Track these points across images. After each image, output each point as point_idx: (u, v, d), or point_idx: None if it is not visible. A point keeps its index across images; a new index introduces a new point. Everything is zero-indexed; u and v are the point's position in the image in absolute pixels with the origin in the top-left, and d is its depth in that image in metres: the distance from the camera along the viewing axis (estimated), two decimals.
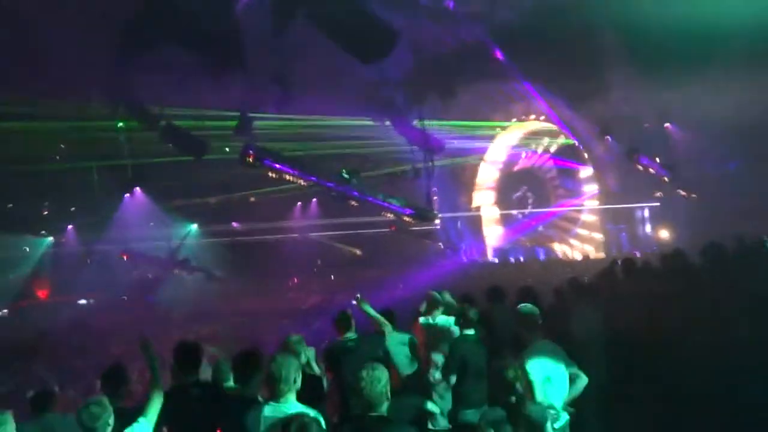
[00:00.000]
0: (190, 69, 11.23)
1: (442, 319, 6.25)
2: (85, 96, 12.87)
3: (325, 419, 3.79)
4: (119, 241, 19.78)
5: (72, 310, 19.86)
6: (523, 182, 21.73)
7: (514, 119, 19.89)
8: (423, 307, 6.64)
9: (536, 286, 6.95)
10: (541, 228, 21.63)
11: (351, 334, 5.63)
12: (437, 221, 17.21)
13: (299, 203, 22.37)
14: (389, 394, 3.47)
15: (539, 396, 4.13)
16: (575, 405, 4.29)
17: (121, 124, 13.45)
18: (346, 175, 12.31)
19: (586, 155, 19.28)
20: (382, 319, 6.05)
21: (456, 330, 5.80)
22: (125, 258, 21.09)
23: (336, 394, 5.40)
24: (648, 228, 18.33)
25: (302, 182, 12.93)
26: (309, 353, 5.29)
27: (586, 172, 20.15)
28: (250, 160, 11.26)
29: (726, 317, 4.41)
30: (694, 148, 15.69)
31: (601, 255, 17.77)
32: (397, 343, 5.90)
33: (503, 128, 20.52)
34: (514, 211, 21.53)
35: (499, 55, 14.24)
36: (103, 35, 10.33)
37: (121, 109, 13.21)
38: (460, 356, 5.32)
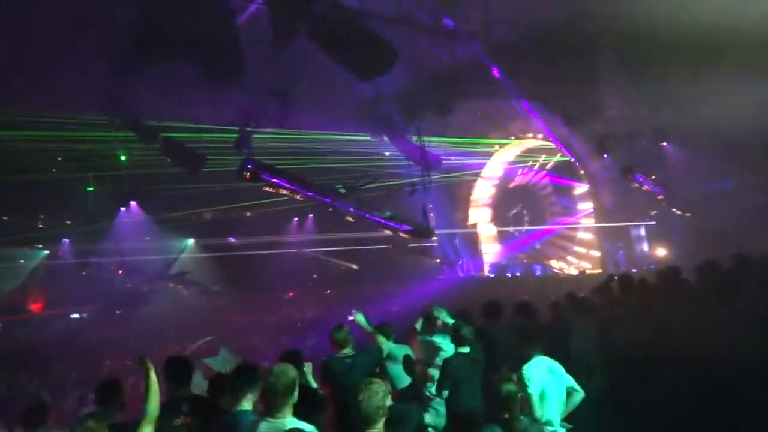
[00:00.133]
0: (189, 83, 11.29)
1: (439, 336, 6.24)
2: (82, 108, 12.89)
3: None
4: (114, 254, 19.72)
5: (66, 323, 19.77)
6: (519, 199, 21.80)
7: (512, 137, 20.00)
8: (419, 323, 6.63)
9: (533, 302, 6.95)
10: (538, 245, 21.68)
11: (348, 350, 5.60)
12: (434, 238, 17.21)
13: (296, 218, 22.37)
14: (386, 409, 3.46)
15: (537, 411, 4.12)
16: (572, 420, 4.28)
17: (117, 134, 13.43)
18: (342, 190, 12.33)
19: (582, 172, 19.39)
20: (379, 335, 6.03)
21: (451, 347, 5.78)
22: (120, 272, 21.02)
23: (332, 409, 5.36)
24: (645, 246, 18.39)
25: (299, 197, 12.94)
26: (306, 368, 5.27)
27: (581, 189, 20.25)
28: (249, 174, 11.28)
29: (723, 334, 4.42)
30: (690, 166, 15.78)
31: (598, 271, 17.78)
32: (393, 357, 5.88)
33: (501, 145, 20.64)
34: (510, 228, 21.58)
35: (496, 73, 14.36)
36: (102, 47, 10.38)
37: (119, 122, 13.24)
38: (451, 374, 5.29)
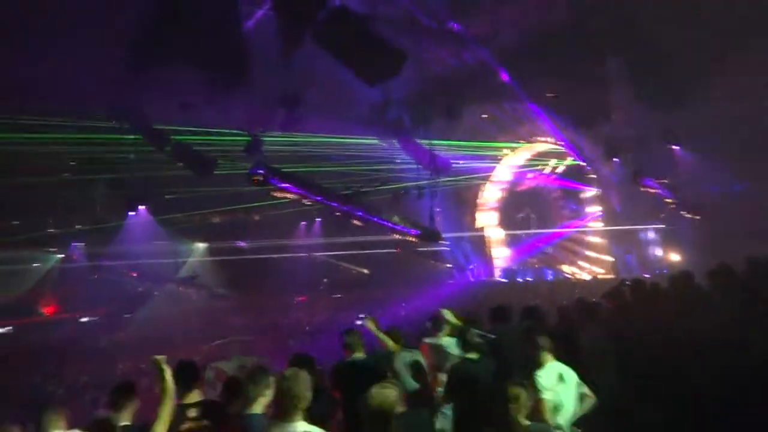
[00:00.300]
0: (199, 87, 11.36)
1: (447, 340, 6.22)
2: (94, 112, 13.00)
3: None
4: (124, 257, 19.83)
5: (78, 326, 19.88)
6: (526, 203, 21.73)
7: (521, 140, 19.96)
8: (429, 327, 6.62)
9: (544, 306, 6.92)
10: (549, 249, 21.57)
11: (359, 354, 5.61)
12: (442, 241, 17.19)
13: (304, 222, 22.40)
14: (397, 412, 3.46)
15: (549, 416, 4.11)
16: (583, 425, 4.26)
17: (128, 137, 13.50)
18: (349, 192, 12.37)
19: (591, 176, 19.32)
20: (388, 340, 6.04)
21: (458, 352, 5.76)
22: (131, 275, 21.14)
23: (342, 413, 5.36)
24: (658, 251, 18.27)
25: (308, 202, 12.98)
26: (318, 372, 5.28)
27: (589, 193, 20.17)
28: (258, 179, 11.33)
29: (736, 338, 4.39)
30: (700, 169, 15.71)
31: (610, 276, 17.70)
32: (403, 361, 5.87)
33: (511, 149, 20.59)
34: (519, 231, 21.48)
35: (504, 76, 14.36)
36: (114, 53, 10.46)
37: (130, 126, 13.33)
38: (457, 380, 5.27)
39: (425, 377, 5.78)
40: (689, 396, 4.21)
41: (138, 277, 21.11)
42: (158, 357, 4.50)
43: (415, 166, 16.32)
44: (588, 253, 20.42)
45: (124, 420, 4.59)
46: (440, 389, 5.91)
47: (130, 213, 16.88)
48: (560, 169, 20.32)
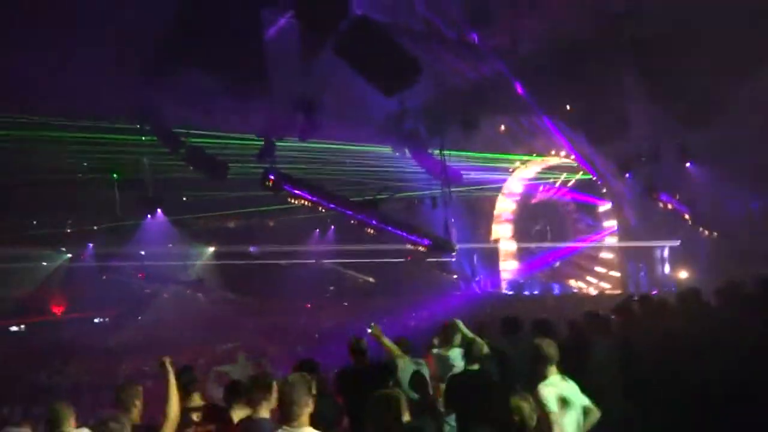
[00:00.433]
0: (216, 92, 11.48)
1: (455, 352, 6.21)
2: (111, 114, 13.18)
3: None
4: (136, 259, 20.02)
5: (85, 326, 20.07)
6: (542, 215, 21.64)
7: (534, 153, 19.94)
8: (437, 339, 6.62)
9: (551, 320, 6.90)
10: (558, 263, 21.47)
11: (364, 361, 5.63)
12: (454, 252, 17.17)
13: (317, 229, 22.48)
14: (401, 421, 3.47)
15: (554, 429, 4.09)
16: None
17: (144, 137, 13.66)
18: (363, 199, 12.41)
19: (605, 190, 19.22)
20: (395, 348, 6.05)
21: (462, 363, 5.75)
22: (142, 277, 21.33)
23: (347, 419, 5.37)
24: (667, 268, 18.12)
25: (321, 209, 13.03)
26: (323, 378, 5.31)
27: (605, 207, 20.05)
28: (271, 184, 11.41)
29: (743, 357, 4.36)
30: (717, 187, 15.59)
31: (618, 292, 17.56)
32: (408, 370, 5.87)
33: (523, 162, 20.57)
34: (533, 245, 21.39)
35: (519, 89, 14.36)
36: (132, 55, 10.62)
37: (146, 128, 13.50)
38: (455, 391, 5.26)
39: (426, 388, 5.76)
40: (693, 408, 4.18)
41: (145, 279, 21.29)
42: (164, 357, 4.56)
43: (429, 176, 16.36)
44: (597, 268, 20.29)
45: (133, 419, 4.63)
46: (441, 399, 5.90)
47: (148, 215, 17.08)
48: (571, 182, 20.25)
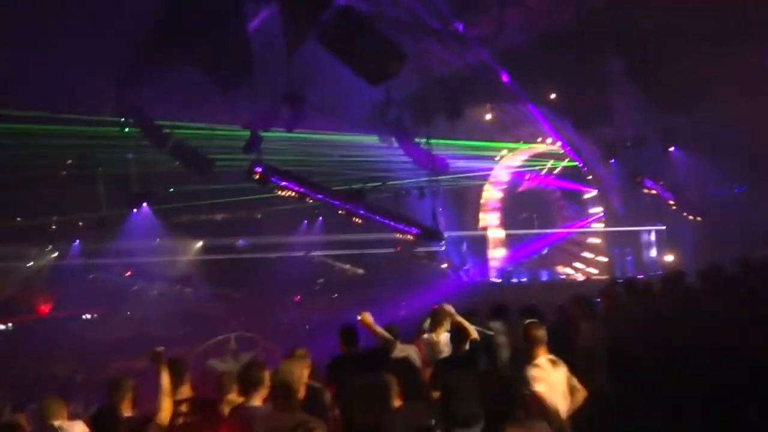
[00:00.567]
0: (200, 85, 11.42)
1: (444, 336, 6.28)
2: (94, 109, 13.07)
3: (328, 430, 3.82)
4: (124, 256, 19.88)
5: (74, 325, 19.92)
6: (528, 203, 21.78)
7: (521, 141, 20.03)
8: (427, 323, 6.69)
9: (539, 306, 7.00)
10: (545, 251, 21.63)
11: (354, 349, 5.67)
12: (443, 242, 17.25)
13: (305, 221, 22.44)
14: (391, 405, 3.51)
15: (544, 411, 4.16)
16: (576, 418, 4.33)
17: (127, 130, 13.53)
18: (351, 189, 12.41)
19: (590, 177, 19.38)
20: (386, 334, 6.10)
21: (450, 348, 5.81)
22: (129, 274, 21.20)
23: (338, 407, 5.41)
24: (653, 252, 18.35)
25: (309, 200, 13.00)
26: (312, 366, 5.34)
27: (591, 194, 20.22)
28: (258, 177, 11.37)
29: (725, 336, 4.46)
30: (701, 171, 15.79)
31: (605, 277, 17.77)
32: (396, 355, 5.92)
33: (510, 150, 20.67)
34: (520, 231, 21.53)
35: (505, 77, 14.42)
36: (115, 49, 10.54)
37: (130, 122, 13.40)
38: (441, 376, 5.32)
39: (414, 373, 5.81)
40: (678, 389, 4.28)
41: (133, 276, 21.17)
42: (158, 348, 4.58)
43: (416, 166, 16.39)
44: (584, 254, 20.51)
45: (126, 411, 4.66)
46: None
47: (133, 210, 16.97)
48: (558, 170, 20.41)
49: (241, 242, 21.49)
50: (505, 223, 22.29)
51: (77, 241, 20.07)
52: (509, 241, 22.19)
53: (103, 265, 20.07)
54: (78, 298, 19.99)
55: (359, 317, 6.10)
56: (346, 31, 9.74)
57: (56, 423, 4.36)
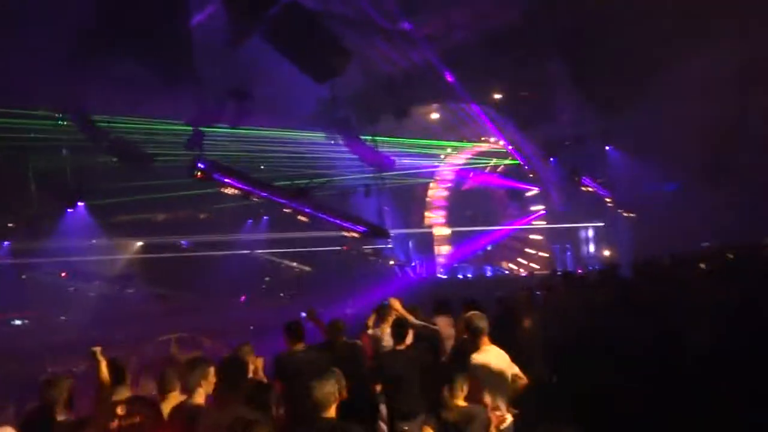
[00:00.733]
0: (141, 81, 11.10)
1: (388, 331, 6.33)
2: (28, 102, 12.51)
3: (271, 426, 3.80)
4: (57, 256, 19.07)
5: (5, 329, 18.97)
6: (472, 201, 22.19)
7: (465, 140, 20.38)
8: (372, 320, 6.74)
9: (485, 300, 7.16)
10: (490, 247, 22.12)
11: (301, 345, 5.65)
12: (389, 239, 17.37)
13: (250, 220, 22.12)
14: (338, 396, 3.53)
15: (486, 397, 4.28)
16: (519, 406, 4.47)
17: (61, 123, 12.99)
18: (296, 186, 12.35)
19: (532, 175, 19.92)
20: (331, 331, 6.09)
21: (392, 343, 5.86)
22: (64, 276, 20.34)
23: (285, 404, 5.38)
24: (592, 247, 19.06)
25: (254, 198, 12.84)
26: (258, 363, 5.30)
27: (533, 192, 20.79)
28: (200, 174, 11.15)
29: (655, 323, 4.70)
30: (635, 170, 16.46)
31: (546, 272, 18.32)
32: (342, 352, 5.93)
33: (454, 148, 21.00)
34: (465, 229, 21.93)
35: (450, 77, 14.63)
36: (52, 41, 10.11)
37: (66, 117, 12.89)
38: (381, 369, 5.39)
39: (360, 367, 5.85)
40: (612, 373, 4.48)
41: (69, 277, 20.33)
42: (95, 348, 4.45)
43: (362, 164, 16.44)
44: (527, 250, 21.10)
45: (60, 415, 4.48)
46: None
47: (68, 210, 16.31)
48: (501, 168, 20.89)
49: (183, 243, 20.98)
50: (450, 221, 22.64)
51: (6, 242, 19.12)
52: (455, 239, 22.56)
53: (36, 265, 19.17)
54: (9, 302, 19.05)
55: (304, 314, 6.08)
56: (291, 27, 9.69)
57: None
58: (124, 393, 4.78)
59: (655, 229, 14.77)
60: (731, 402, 3.78)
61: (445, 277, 20.85)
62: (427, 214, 22.64)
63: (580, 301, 5.91)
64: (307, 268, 22.70)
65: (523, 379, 4.51)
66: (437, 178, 22.34)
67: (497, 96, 16.01)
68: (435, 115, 18.78)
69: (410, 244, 21.72)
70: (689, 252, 7.17)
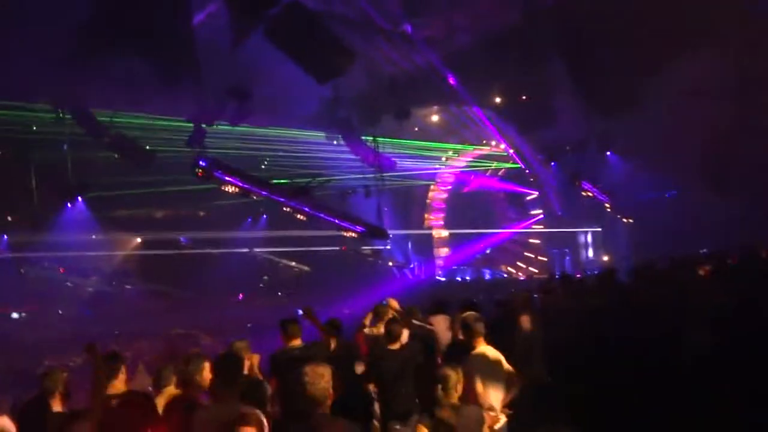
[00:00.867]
0: (142, 78, 11.13)
1: None
2: (31, 98, 12.54)
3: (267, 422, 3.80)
4: (56, 250, 19.06)
5: (2, 323, 18.95)
6: (472, 204, 22.19)
7: (466, 143, 20.40)
8: (368, 319, 6.74)
9: (484, 302, 7.19)
10: (489, 250, 22.12)
11: (297, 342, 5.65)
12: (388, 240, 17.37)
13: (249, 218, 22.11)
14: (331, 392, 3.53)
15: (480, 398, 4.28)
16: (513, 407, 4.48)
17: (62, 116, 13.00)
18: (296, 185, 12.37)
19: (532, 180, 19.94)
20: (327, 330, 6.09)
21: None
22: (62, 271, 20.33)
23: (280, 399, 5.39)
24: (590, 252, 19.07)
25: (254, 196, 12.87)
26: (254, 359, 5.30)
27: (532, 196, 20.80)
28: (201, 171, 11.18)
29: (653, 326, 4.72)
30: (634, 176, 16.48)
31: (545, 276, 18.32)
32: (340, 350, 5.93)
33: (456, 151, 21.00)
34: (464, 231, 21.93)
35: (452, 80, 14.66)
36: (55, 38, 10.14)
37: (67, 113, 12.90)
38: (375, 368, 5.39)
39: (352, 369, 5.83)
40: (608, 375, 4.50)
41: (67, 272, 20.31)
42: (91, 343, 4.45)
43: (363, 165, 16.46)
44: (526, 253, 21.10)
45: (56, 406, 4.49)
46: None
47: (67, 204, 16.32)
48: (502, 172, 20.90)
49: (183, 240, 20.97)
50: (450, 223, 22.64)
51: (5, 236, 19.11)
52: (454, 241, 22.55)
53: (35, 259, 19.16)
54: (7, 296, 19.03)
55: (301, 312, 6.08)
56: (294, 27, 9.71)
57: None
58: (119, 387, 4.78)
59: (653, 234, 14.80)
60: (730, 403, 3.80)
61: (443, 279, 20.85)
62: (426, 216, 22.64)
63: (578, 304, 5.93)
64: (305, 268, 22.68)
65: (519, 381, 4.51)
66: (437, 180, 22.34)
67: (498, 99, 16.03)
68: (436, 117, 18.81)
69: (409, 245, 21.70)
70: (688, 256, 7.19)
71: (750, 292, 5.19)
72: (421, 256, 22.03)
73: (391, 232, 15.91)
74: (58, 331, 17.44)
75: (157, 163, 13.77)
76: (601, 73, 12.51)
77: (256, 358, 5.34)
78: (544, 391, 4.83)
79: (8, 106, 12.56)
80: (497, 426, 4.27)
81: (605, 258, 18.10)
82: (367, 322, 6.67)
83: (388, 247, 19.85)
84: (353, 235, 13.81)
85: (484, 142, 19.90)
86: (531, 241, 21.05)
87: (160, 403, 4.61)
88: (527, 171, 19.60)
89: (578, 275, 15.52)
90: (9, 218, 18.57)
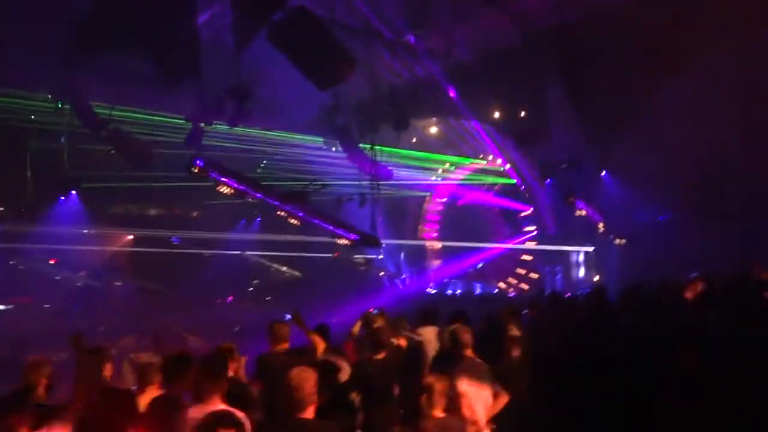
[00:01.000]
0: (145, 74, 11.14)
1: None
2: (30, 89, 12.52)
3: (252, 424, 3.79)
4: (48, 244, 18.94)
5: None
6: (466, 218, 22.22)
7: (463, 156, 20.46)
8: (356, 328, 6.73)
9: (473, 317, 7.16)
10: (481, 265, 22.12)
11: (285, 346, 5.63)
12: (380, 249, 17.36)
13: (243, 220, 22.08)
14: (316, 397, 3.52)
15: (465, 410, 4.28)
16: (497, 421, 4.47)
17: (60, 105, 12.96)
18: (291, 190, 12.36)
19: (527, 196, 20.00)
20: (315, 336, 6.07)
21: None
22: (53, 263, 20.19)
23: (264, 402, 5.36)
24: (582, 271, 19.10)
25: (249, 199, 12.83)
26: (240, 361, 5.28)
27: (526, 212, 20.85)
28: (197, 171, 11.15)
29: (640, 346, 4.73)
30: (629, 198, 16.54)
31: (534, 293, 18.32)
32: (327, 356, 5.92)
33: (452, 164, 21.06)
34: (457, 244, 21.94)
35: (452, 93, 14.74)
36: (58, 30, 10.15)
37: (67, 108, 12.88)
38: (357, 379, 5.39)
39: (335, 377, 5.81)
40: (594, 394, 4.50)
41: (57, 265, 20.18)
42: (76, 335, 4.43)
43: (359, 173, 16.48)
44: (518, 270, 21.12)
45: (38, 399, 4.46)
46: None
47: (61, 198, 16.26)
48: (497, 187, 20.96)
49: (174, 239, 20.88)
50: (444, 236, 22.63)
51: None
52: (446, 254, 22.55)
53: (25, 251, 19.03)
54: None
55: (290, 316, 6.07)
56: (297, 32, 9.74)
57: None
58: (102, 384, 4.76)
59: (645, 258, 14.82)
60: (715, 424, 3.81)
61: (434, 291, 20.82)
62: (420, 227, 22.64)
63: (565, 321, 5.94)
64: (297, 273, 22.62)
65: (504, 396, 4.51)
66: (433, 192, 22.37)
67: (497, 114, 16.12)
68: (435, 129, 18.87)
69: (401, 256, 21.69)
70: (679, 279, 7.22)
71: (738, 314, 5.22)
72: (413, 267, 22.02)
73: (384, 242, 15.88)
74: (45, 323, 17.31)
75: (153, 161, 13.74)
76: (598, 93, 12.61)
77: (241, 361, 5.33)
78: (527, 406, 4.83)
79: (7, 93, 12.54)
80: None
81: (596, 278, 18.13)
82: (356, 330, 6.67)
83: (381, 256, 19.82)
84: (346, 242, 13.78)
85: (481, 156, 19.96)
86: (523, 257, 21.07)
87: (143, 401, 4.59)
88: (522, 187, 19.66)
89: (568, 294, 15.57)
90: (1, 208, 18.47)
